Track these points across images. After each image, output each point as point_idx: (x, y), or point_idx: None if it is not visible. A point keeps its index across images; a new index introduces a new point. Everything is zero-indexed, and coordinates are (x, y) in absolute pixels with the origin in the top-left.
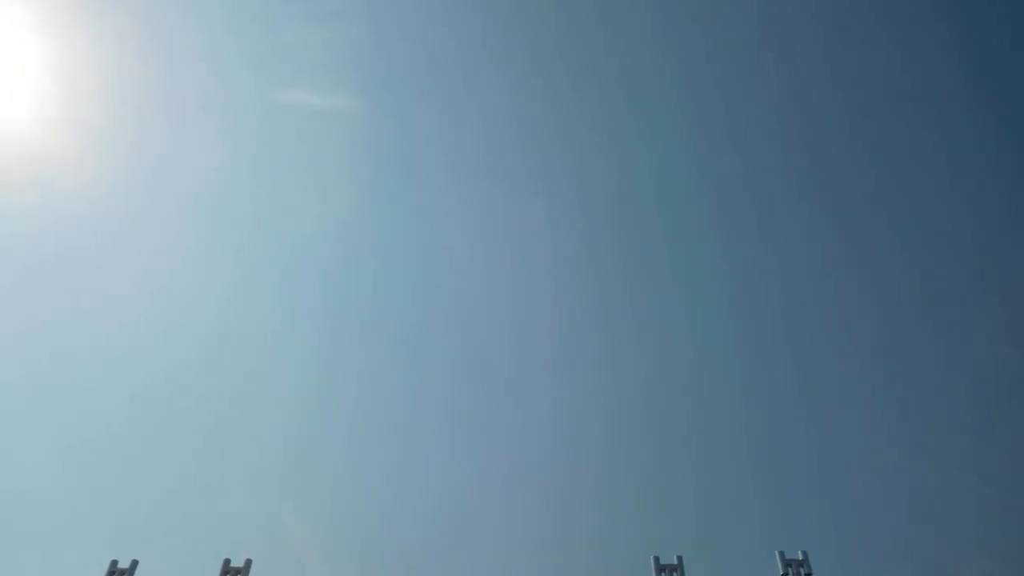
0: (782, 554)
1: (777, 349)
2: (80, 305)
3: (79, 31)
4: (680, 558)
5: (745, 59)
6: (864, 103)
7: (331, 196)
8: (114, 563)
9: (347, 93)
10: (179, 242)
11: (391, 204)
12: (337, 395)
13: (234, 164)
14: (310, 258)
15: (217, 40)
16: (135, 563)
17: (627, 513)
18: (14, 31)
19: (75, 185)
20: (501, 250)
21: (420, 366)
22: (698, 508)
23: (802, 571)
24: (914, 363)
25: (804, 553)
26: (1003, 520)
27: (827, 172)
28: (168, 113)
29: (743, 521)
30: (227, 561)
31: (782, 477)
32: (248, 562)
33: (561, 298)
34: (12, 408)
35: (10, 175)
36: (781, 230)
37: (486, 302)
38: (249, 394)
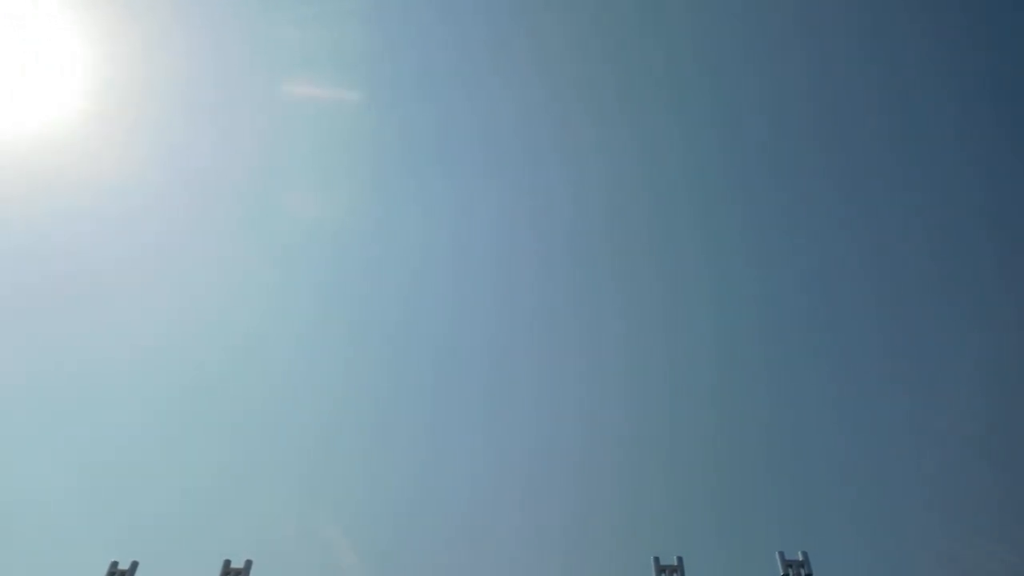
0: (782, 555)
1: (780, 349)
2: (117, 306)
3: (122, 27)
4: (680, 559)
5: (777, 48)
6: (884, 93)
7: (365, 193)
8: (114, 564)
9: (377, 85)
10: (218, 241)
11: (422, 197)
12: (361, 394)
13: (272, 162)
14: (344, 256)
15: (262, 38)
16: (135, 564)
17: (627, 513)
18: (56, 29)
19: (118, 183)
20: (526, 239)
21: (447, 362)
22: (698, 509)
23: (802, 572)
24: (916, 361)
25: (804, 554)
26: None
27: (856, 166)
28: (212, 110)
29: (744, 522)
30: (227, 562)
31: (783, 477)
32: (248, 563)
33: (582, 291)
34: (24, 409)
35: (55, 175)
36: (793, 224)
37: (512, 294)
38: (271, 396)
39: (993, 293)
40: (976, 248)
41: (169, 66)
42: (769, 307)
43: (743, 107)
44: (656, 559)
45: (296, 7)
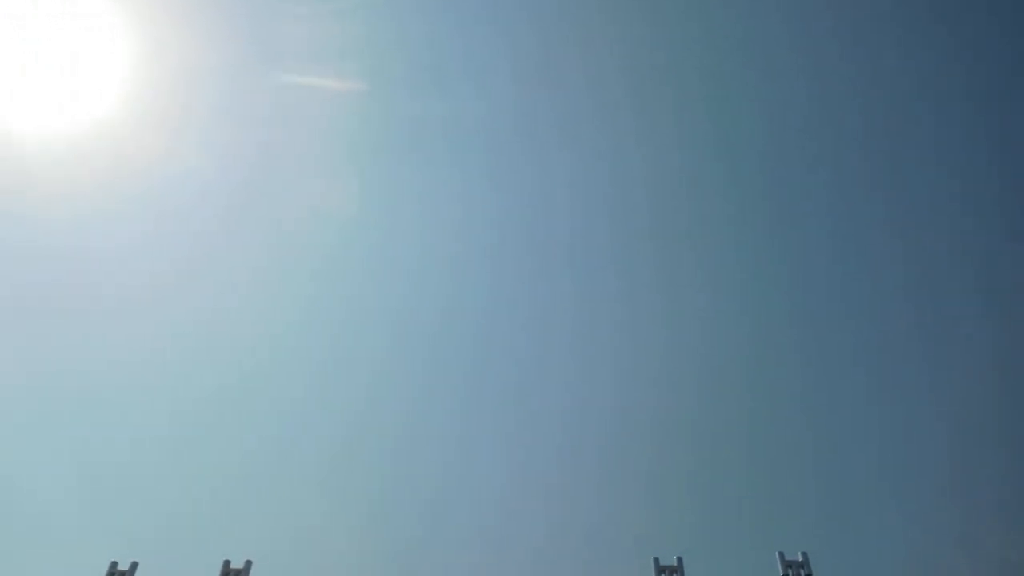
0: (782, 555)
1: (778, 348)
2: (129, 309)
3: (130, 28)
4: (680, 559)
5: (817, 39)
6: (904, 93)
7: (403, 190)
8: (114, 564)
9: (402, 79)
10: (262, 243)
11: (463, 191)
12: (385, 396)
13: (312, 163)
14: (378, 255)
15: (272, 34)
16: (135, 564)
17: (627, 513)
18: (97, 27)
19: (159, 184)
20: (562, 234)
21: (477, 364)
22: (698, 508)
23: (802, 572)
24: (926, 351)
25: (804, 554)
26: None
27: (887, 167)
28: (223, 110)
29: (743, 522)
30: (227, 563)
31: (782, 477)
32: (248, 563)
33: (619, 290)
34: (26, 409)
35: (97, 175)
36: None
37: (547, 292)
38: (287, 398)
39: (1005, 282)
40: (988, 242)
41: (178, 66)
42: (790, 309)
43: (784, 104)
44: (656, 559)
45: (306, 4)
